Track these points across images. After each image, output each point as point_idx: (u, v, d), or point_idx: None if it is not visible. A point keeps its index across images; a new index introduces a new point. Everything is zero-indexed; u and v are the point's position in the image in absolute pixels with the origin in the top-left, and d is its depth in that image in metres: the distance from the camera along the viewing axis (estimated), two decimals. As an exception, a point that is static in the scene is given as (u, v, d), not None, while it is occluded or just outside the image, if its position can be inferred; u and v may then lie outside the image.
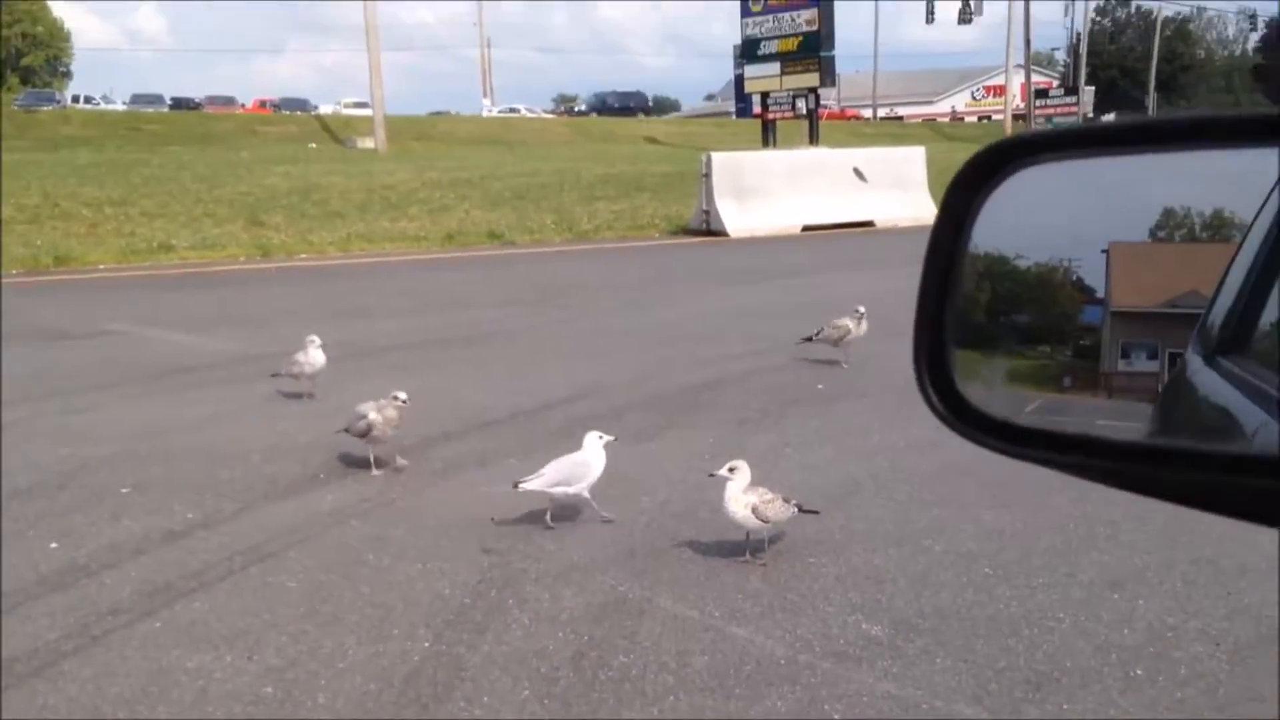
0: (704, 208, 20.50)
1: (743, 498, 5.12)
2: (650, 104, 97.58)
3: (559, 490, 5.77)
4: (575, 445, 6.04)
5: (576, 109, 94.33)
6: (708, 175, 20.40)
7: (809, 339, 9.40)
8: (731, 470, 5.18)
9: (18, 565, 5.29)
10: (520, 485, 5.76)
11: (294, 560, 5.39)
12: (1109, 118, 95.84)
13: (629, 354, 10.33)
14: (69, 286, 14.76)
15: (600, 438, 5.91)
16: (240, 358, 10.20)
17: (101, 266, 16.29)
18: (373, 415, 6.58)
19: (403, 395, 6.63)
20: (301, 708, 4.00)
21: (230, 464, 6.92)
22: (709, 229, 20.27)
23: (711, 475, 5.29)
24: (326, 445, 7.30)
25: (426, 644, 4.46)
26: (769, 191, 20.64)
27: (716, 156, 20.87)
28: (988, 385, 1.44)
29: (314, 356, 8.35)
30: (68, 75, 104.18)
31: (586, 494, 5.79)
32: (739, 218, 20.11)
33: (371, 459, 6.74)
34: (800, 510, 5.34)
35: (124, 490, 6.41)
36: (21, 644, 4.48)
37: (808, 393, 8.58)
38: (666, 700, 3.99)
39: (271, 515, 6.04)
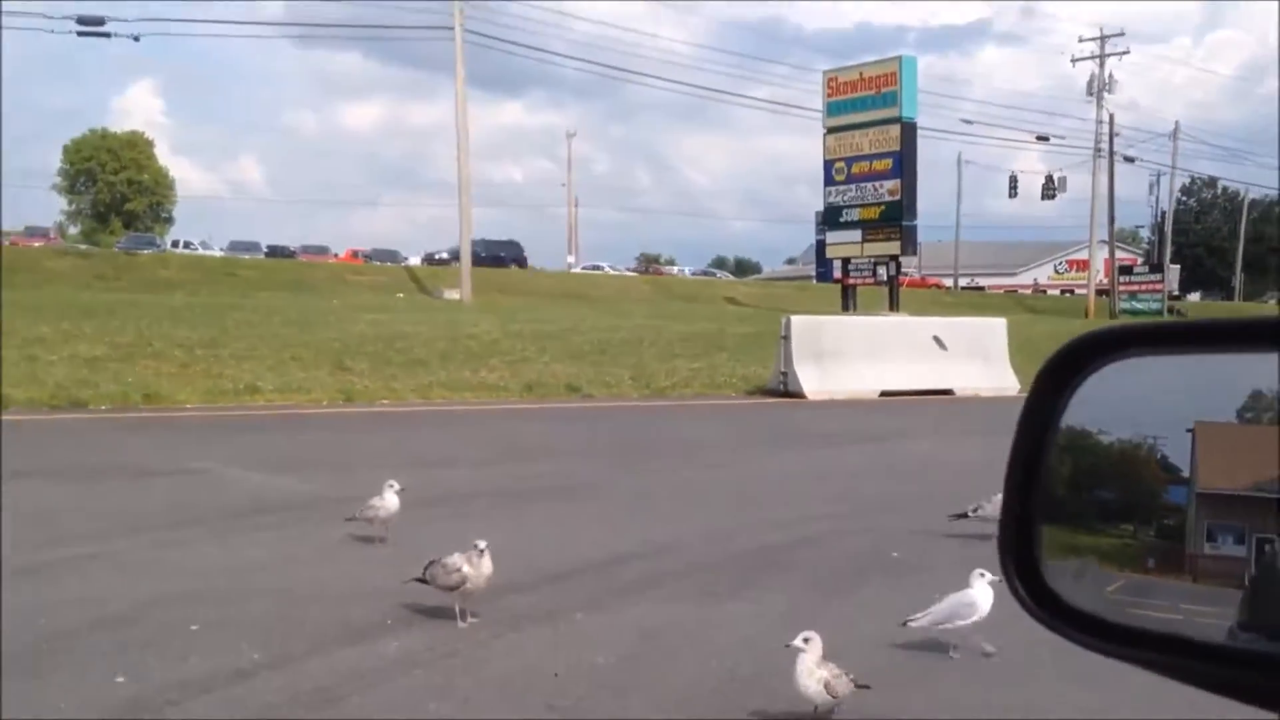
0: (782, 369, 20.57)
1: (816, 671, 4.99)
2: (524, 256, 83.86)
3: (945, 627, 5.87)
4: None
5: (437, 256, 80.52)
6: (787, 337, 20.52)
7: (963, 515, 8.64)
8: (805, 641, 5.05)
9: (84, 698, 5.32)
10: (909, 623, 5.90)
11: (358, 706, 5.36)
12: (1194, 297, 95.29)
13: (704, 511, 10.28)
14: (157, 425, 15.10)
15: (982, 575, 5.88)
16: (318, 499, 10.31)
17: (189, 406, 16.66)
18: (466, 569, 6.52)
19: (482, 544, 6.61)
20: None
21: (302, 606, 6.95)
22: (786, 390, 20.30)
23: (787, 646, 5.16)
24: (396, 591, 7.30)
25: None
26: (847, 355, 20.69)
27: (796, 319, 21.02)
28: (1070, 564, 1.42)
29: (389, 501, 8.41)
30: (169, 221, 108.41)
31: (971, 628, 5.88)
32: (817, 380, 20.13)
33: (458, 611, 6.69)
34: (855, 685, 5.20)
35: (194, 628, 6.44)
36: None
37: (882, 561, 8.44)
38: None
39: (338, 659, 6.03)
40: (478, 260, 72.74)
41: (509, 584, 7.56)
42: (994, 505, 8.50)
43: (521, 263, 79.64)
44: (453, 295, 53.54)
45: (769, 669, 5.83)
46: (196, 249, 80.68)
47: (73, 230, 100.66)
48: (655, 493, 11.40)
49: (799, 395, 19.98)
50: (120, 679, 5.58)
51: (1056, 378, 1.44)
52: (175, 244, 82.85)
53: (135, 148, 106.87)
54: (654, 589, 7.53)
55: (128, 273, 54.65)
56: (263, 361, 21.67)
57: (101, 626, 6.33)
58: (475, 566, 6.54)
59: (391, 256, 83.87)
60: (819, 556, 8.60)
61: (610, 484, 11.88)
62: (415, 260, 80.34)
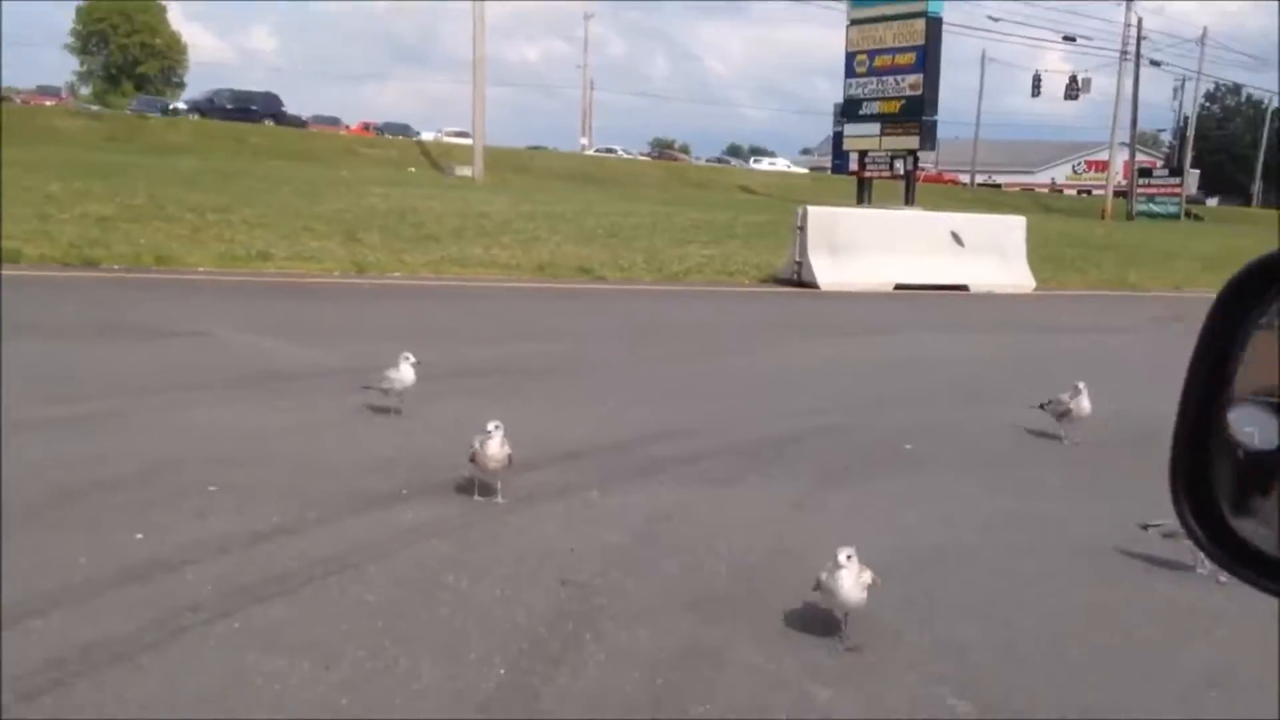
0: (796, 259, 20.39)
1: (862, 576, 4.78)
2: (282, 109, 75.02)
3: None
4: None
5: (172, 106, 73.75)
6: (803, 228, 20.31)
7: (1040, 406, 8.82)
8: (849, 558, 4.76)
9: (100, 554, 5.34)
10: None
11: (373, 574, 5.38)
12: (1213, 202, 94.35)
13: (712, 398, 10.26)
14: (169, 286, 15.02)
15: None
16: (330, 369, 10.29)
17: (201, 269, 16.54)
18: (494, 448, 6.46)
19: (494, 427, 6.53)
20: (373, 723, 3.97)
21: (315, 473, 6.96)
22: (799, 280, 20.16)
23: (828, 572, 4.80)
24: (410, 462, 7.34)
25: (502, 672, 4.41)
26: (862, 248, 20.49)
27: (812, 210, 20.77)
28: (1253, 510, 1.33)
29: (405, 373, 8.38)
30: (180, 86, 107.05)
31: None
32: (831, 271, 19.98)
33: (476, 484, 6.69)
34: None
35: (211, 489, 6.46)
36: (100, 632, 4.50)
37: (894, 453, 8.43)
38: (742, 752, 3.90)
39: (354, 527, 6.05)
40: (225, 113, 66.88)
41: (522, 461, 7.59)
42: (1055, 402, 8.59)
43: (278, 118, 71.67)
44: (465, 172, 53.04)
45: (778, 554, 5.86)
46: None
47: (84, 91, 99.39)
48: (666, 376, 11.37)
49: (812, 285, 19.84)
50: (139, 535, 5.60)
51: (1240, 298, 1.32)
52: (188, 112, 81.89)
53: (148, 11, 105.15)
54: (663, 472, 7.52)
55: (139, 135, 54.08)
56: (274, 229, 21.51)
57: (118, 484, 6.35)
58: (493, 447, 6.47)
59: (403, 130, 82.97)
60: (830, 445, 8.59)
61: (622, 366, 11.85)
62: (428, 136, 79.48)
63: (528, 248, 22.94)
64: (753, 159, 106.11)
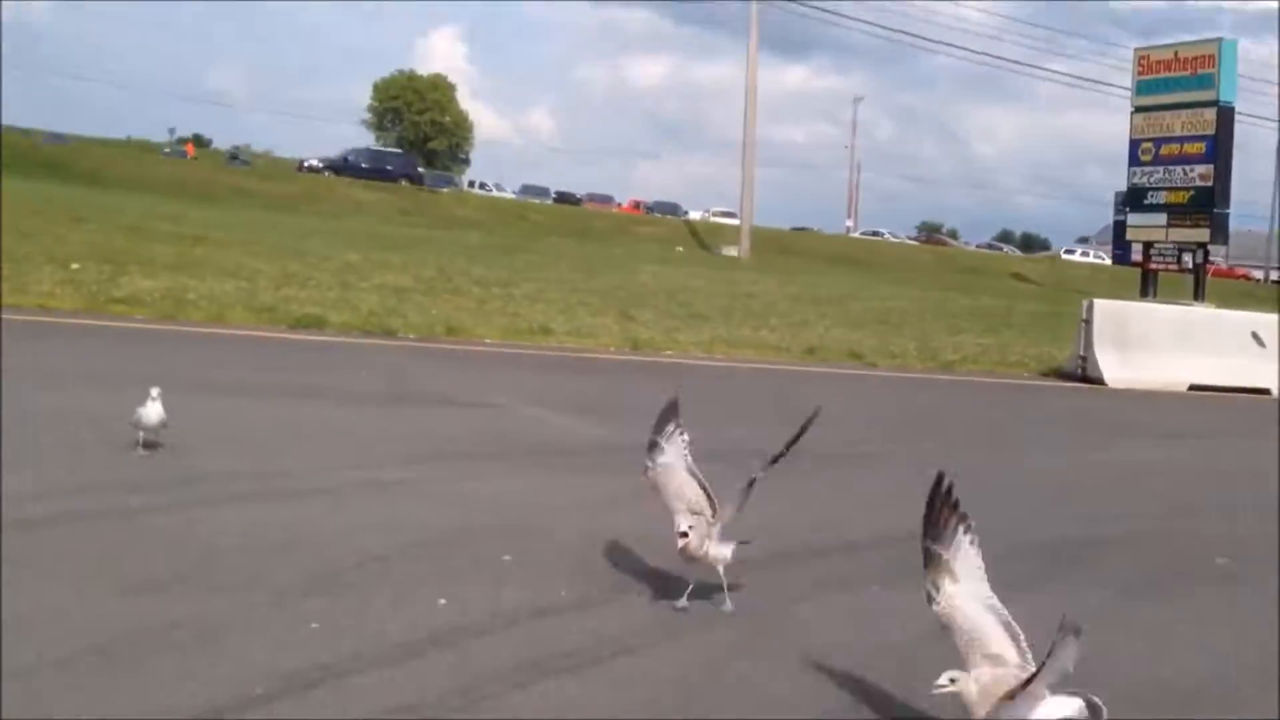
0: (1080, 353, 19.61)
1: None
2: (417, 170, 76.41)
3: None
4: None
5: (308, 165, 74.47)
6: (1088, 321, 19.53)
7: None
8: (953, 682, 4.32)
9: (411, 619, 5.53)
10: None
11: (662, 657, 5.38)
12: None
13: (1001, 495, 9.86)
14: (459, 357, 15.69)
15: None
16: (613, 445, 10.46)
17: (487, 341, 17.24)
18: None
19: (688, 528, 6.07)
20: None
21: (604, 549, 7.05)
22: (1084, 375, 19.35)
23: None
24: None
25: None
26: (1153, 344, 19.53)
27: (1099, 303, 19.99)
28: None
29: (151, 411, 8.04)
30: (465, 162, 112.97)
31: None
32: (1119, 367, 19.10)
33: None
34: None
35: (505, 559, 6.62)
36: (410, 695, 4.65)
37: (1205, 567, 7.89)
38: None
39: (641, 608, 6.08)
40: (359, 171, 67.70)
41: (804, 548, 7.49)
42: None
43: (415, 179, 72.47)
44: (730, 252, 53.73)
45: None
46: (491, 191, 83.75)
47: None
48: (950, 470, 11.01)
49: (1098, 381, 19.01)
50: (442, 601, 5.78)
51: None
52: (471, 184, 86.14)
53: (438, 90, 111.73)
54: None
55: (429, 209, 57.21)
56: (553, 304, 22.26)
57: (420, 550, 6.57)
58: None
59: (672, 209, 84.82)
60: (1135, 555, 8.13)
61: (903, 456, 11.56)
62: (695, 214, 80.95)
63: (796, 330, 22.93)
64: (1064, 249, 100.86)
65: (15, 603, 5.11)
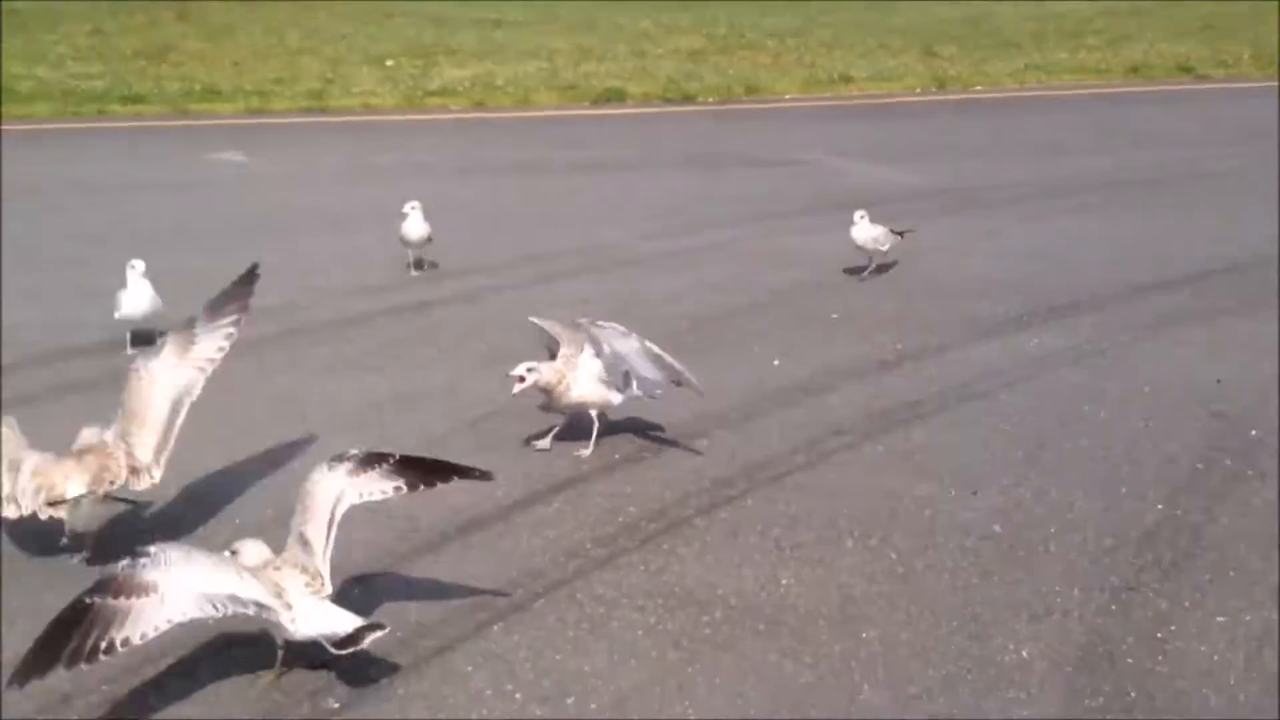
0: None
1: None
2: None
3: None
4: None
5: None
6: None
7: None
8: None
9: (746, 377, 5.72)
10: None
11: (1005, 403, 5.37)
12: None
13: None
14: (760, 116, 15.54)
15: None
16: (923, 191, 10.23)
17: (787, 97, 16.95)
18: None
19: None
20: (1034, 553, 3.98)
21: (927, 297, 7.00)
22: None
23: None
24: (1022, 285, 7.18)
25: (1159, 507, 4.26)
26: None
27: None
28: None
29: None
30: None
31: None
32: None
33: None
34: None
35: (833, 316, 6.69)
36: (757, 452, 4.85)
37: None
38: None
39: (976, 354, 6.04)
40: None
41: (1152, 281, 7.20)
42: None
43: None
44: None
45: None
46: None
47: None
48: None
49: None
50: (776, 361, 5.94)
51: None
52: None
53: None
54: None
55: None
56: (851, 49, 21.51)
57: (751, 311, 6.72)
58: None
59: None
60: None
61: (1242, 173, 10.71)
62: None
63: (1116, 48, 21.32)
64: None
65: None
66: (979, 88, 17.70)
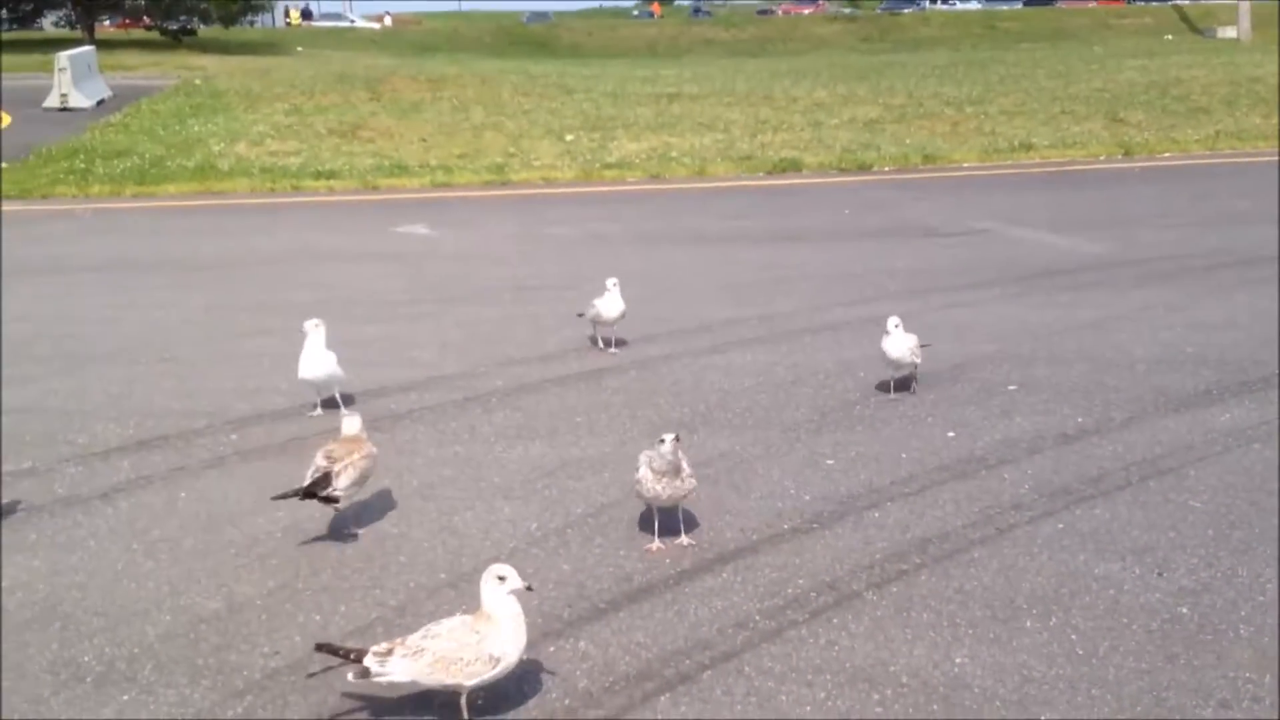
0: None
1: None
2: None
3: None
4: None
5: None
6: None
7: None
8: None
9: (920, 450, 5.62)
10: None
11: (1194, 479, 5.15)
12: None
13: None
14: (938, 184, 15.39)
15: None
16: (1110, 261, 9.96)
17: (965, 165, 16.76)
18: None
19: None
20: (1223, 637, 3.80)
21: (1115, 371, 6.79)
22: None
23: None
24: (1214, 359, 6.92)
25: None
26: None
27: None
28: None
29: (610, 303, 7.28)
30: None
31: None
32: None
33: None
34: None
35: (1011, 388, 6.54)
36: (931, 526, 4.75)
37: None
38: None
39: (1164, 429, 5.82)
40: None
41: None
42: None
43: None
44: (1229, 33, 48.56)
45: None
46: (954, 5, 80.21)
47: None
48: None
49: None
50: (950, 434, 5.82)
51: None
52: (933, 0, 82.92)
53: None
54: None
55: (891, 33, 55.90)
56: (1032, 117, 21.22)
57: (924, 383, 6.59)
58: None
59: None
60: None
61: None
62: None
63: (1315, 112, 20.53)
64: None
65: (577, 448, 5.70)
66: (1167, 154, 17.21)
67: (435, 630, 3.43)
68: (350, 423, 4.90)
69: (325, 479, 4.60)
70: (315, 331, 6.15)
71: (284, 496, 4.70)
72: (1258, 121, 20.04)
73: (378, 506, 5.07)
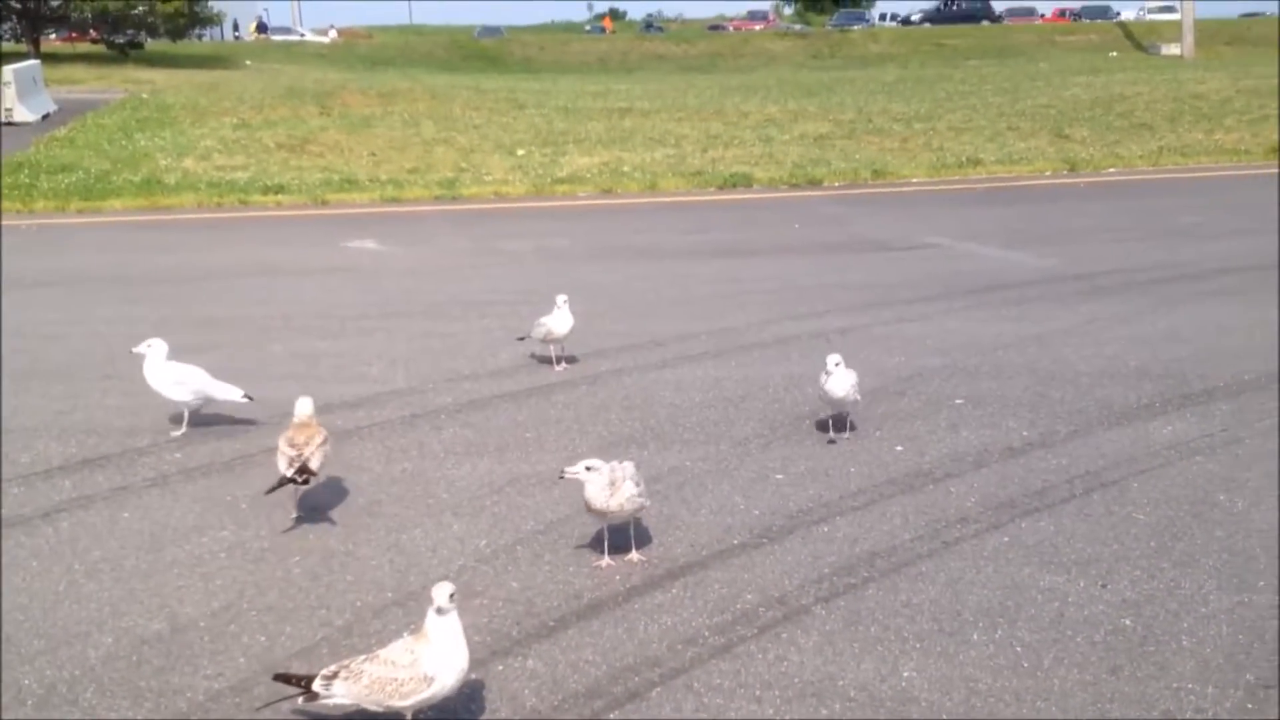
0: None
1: None
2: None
3: None
4: None
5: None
6: None
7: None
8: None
9: (868, 463, 5.66)
10: None
11: (1137, 491, 5.21)
12: None
13: None
14: (886, 199, 15.52)
15: None
16: (1055, 275, 10.07)
17: (914, 180, 16.91)
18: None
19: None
20: (1165, 647, 3.84)
21: (1059, 385, 6.86)
22: None
23: None
24: (1156, 372, 7.01)
25: (1298, 602, 4.09)
26: None
27: None
28: None
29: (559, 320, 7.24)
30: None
31: None
32: None
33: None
34: None
35: (958, 401, 6.59)
36: (879, 540, 4.78)
37: None
38: None
39: (1107, 441, 5.89)
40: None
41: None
42: None
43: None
44: (1172, 50, 49.42)
45: None
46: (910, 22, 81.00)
47: (788, 11, 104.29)
48: None
49: None
50: (899, 448, 5.86)
51: None
52: (882, 17, 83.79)
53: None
54: None
55: (841, 49, 56.37)
56: (980, 133, 21.47)
57: (875, 396, 6.62)
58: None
59: (1102, 13, 78.56)
60: None
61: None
62: (1129, 14, 74.80)
63: (1256, 128, 20.89)
64: None
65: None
66: (1112, 170, 17.45)
67: (378, 652, 3.41)
68: (303, 404, 5.14)
69: (304, 468, 4.85)
70: (150, 351, 6.12)
71: (274, 489, 4.94)
72: (1200, 137, 20.39)
73: (324, 524, 5.03)
